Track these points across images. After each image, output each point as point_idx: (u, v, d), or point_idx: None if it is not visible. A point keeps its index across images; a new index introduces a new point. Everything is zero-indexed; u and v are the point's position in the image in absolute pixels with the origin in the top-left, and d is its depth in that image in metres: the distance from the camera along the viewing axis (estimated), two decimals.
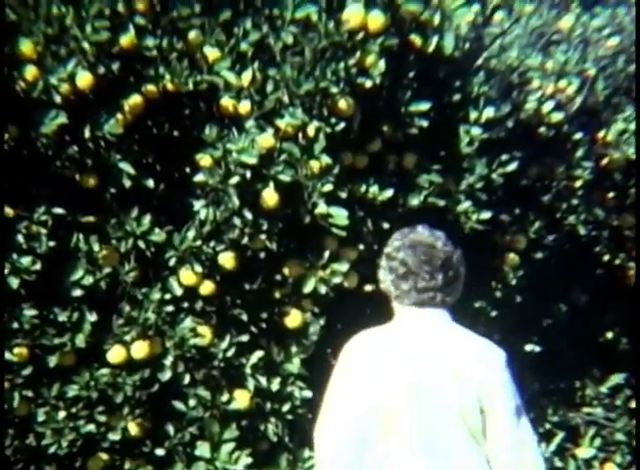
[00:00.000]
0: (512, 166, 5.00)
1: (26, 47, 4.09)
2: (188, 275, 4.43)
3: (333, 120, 4.42)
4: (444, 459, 2.98)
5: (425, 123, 4.69)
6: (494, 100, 5.01)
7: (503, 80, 5.16)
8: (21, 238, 4.23)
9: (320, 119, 4.38)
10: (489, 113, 4.93)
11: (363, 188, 4.62)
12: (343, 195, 4.50)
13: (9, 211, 4.21)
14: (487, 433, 3.02)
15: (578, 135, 5.54)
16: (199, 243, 4.41)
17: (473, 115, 4.92)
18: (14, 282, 4.22)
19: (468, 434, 3.00)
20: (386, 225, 4.71)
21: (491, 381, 3.06)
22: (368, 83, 4.48)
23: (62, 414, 4.38)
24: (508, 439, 3.05)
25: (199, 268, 4.42)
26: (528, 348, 5.75)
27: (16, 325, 4.30)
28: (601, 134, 5.71)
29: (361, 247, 4.72)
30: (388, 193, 4.63)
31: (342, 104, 4.41)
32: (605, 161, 5.72)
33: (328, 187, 4.39)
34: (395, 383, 2.96)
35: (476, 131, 4.89)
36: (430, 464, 2.98)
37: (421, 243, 3.01)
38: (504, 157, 4.98)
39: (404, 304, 3.02)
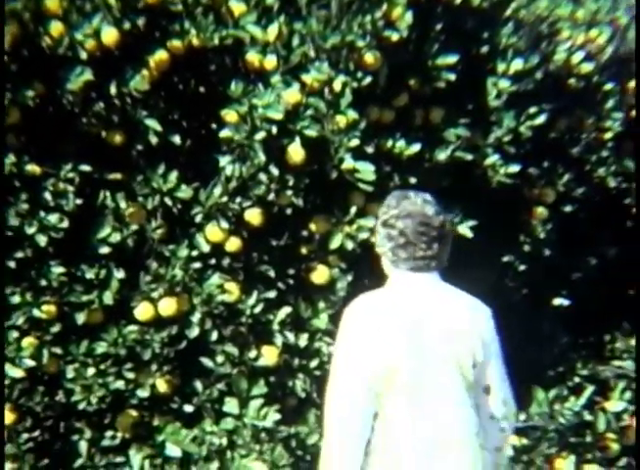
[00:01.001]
0: (540, 119, 5.08)
1: (52, 3, 4.20)
2: (215, 232, 4.56)
3: (359, 75, 4.50)
4: (443, 414, 3.19)
5: (452, 77, 4.77)
6: (523, 51, 5.08)
7: (532, 31, 5.21)
8: (48, 195, 4.37)
9: (346, 74, 4.47)
10: (518, 64, 5.00)
11: (390, 143, 4.71)
12: (370, 150, 4.60)
13: (36, 169, 4.35)
14: (480, 385, 3.29)
15: (609, 86, 5.59)
16: (225, 199, 4.54)
17: (501, 67, 4.99)
18: (42, 240, 4.38)
19: (464, 387, 3.23)
20: (412, 180, 4.82)
21: (486, 335, 3.31)
22: (395, 36, 4.56)
23: (90, 371, 4.54)
24: (500, 391, 3.35)
25: (225, 225, 4.55)
26: (557, 301, 5.86)
27: (44, 283, 4.46)
28: (632, 84, 5.76)
29: None
30: (415, 147, 4.72)
31: (369, 58, 4.50)
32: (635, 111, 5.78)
33: (354, 142, 4.48)
34: (399, 342, 3.14)
35: (504, 84, 4.96)
36: (429, 418, 3.17)
37: (417, 213, 3.20)
38: (532, 109, 5.06)
39: (400, 268, 3.24)
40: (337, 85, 4.45)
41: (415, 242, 3.19)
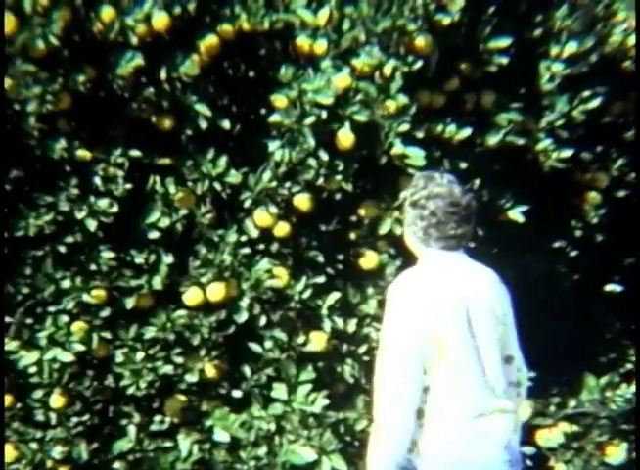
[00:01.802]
0: (594, 103, 5.09)
1: None
2: (264, 217, 4.65)
3: (410, 59, 4.55)
4: (487, 382, 3.39)
5: (504, 60, 4.81)
6: (577, 34, 5.08)
7: (587, 13, 5.21)
8: (98, 180, 4.49)
9: (397, 58, 4.53)
10: (572, 47, 5.01)
11: (440, 127, 4.76)
12: (420, 135, 4.66)
13: (86, 154, 4.46)
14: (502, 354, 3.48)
15: None
16: (274, 184, 4.62)
17: (554, 50, 5.00)
18: (91, 224, 4.50)
19: (500, 356, 3.45)
20: (463, 165, 4.87)
21: (508, 307, 3.56)
22: (446, 20, 4.62)
23: (139, 356, 4.65)
24: (519, 360, 3.58)
25: (274, 210, 4.63)
26: (609, 287, 5.88)
27: (93, 267, 4.59)
28: None
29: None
30: (466, 132, 4.77)
31: (420, 41, 4.55)
32: None
33: (404, 127, 4.54)
34: (447, 315, 3.32)
35: (557, 67, 4.98)
36: (476, 387, 3.36)
37: (446, 194, 3.41)
38: (586, 93, 5.06)
39: (431, 247, 3.43)
40: (387, 70, 4.51)
41: (446, 221, 3.39)
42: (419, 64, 4.57)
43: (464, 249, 3.50)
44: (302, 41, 4.54)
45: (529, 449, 5.33)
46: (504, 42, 4.79)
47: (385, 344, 3.32)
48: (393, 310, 3.33)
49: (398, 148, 4.57)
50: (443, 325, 3.30)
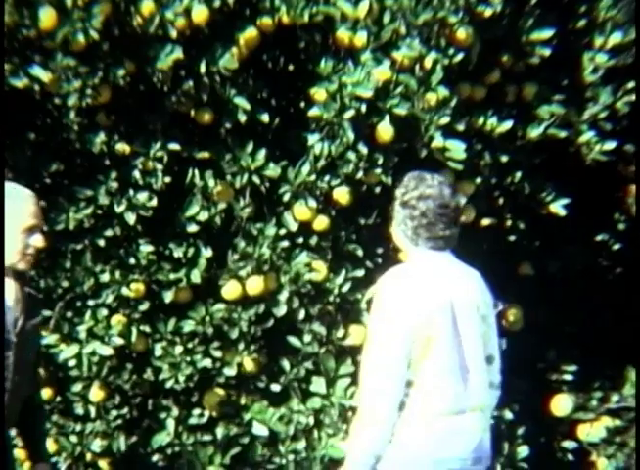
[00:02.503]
0: None
1: None
2: (302, 210, 4.70)
3: (451, 51, 4.58)
4: (471, 379, 3.47)
5: (547, 52, 4.82)
6: (622, 24, 5.06)
7: (631, 3, 5.19)
8: (137, 174, 4.56)
9: (438, 50, 4.56)
10: (616, 38, 4.99)
11: (481, 120, 4.78)
12: (461, 127, 4.68)
13: (125, 148, 4.53)
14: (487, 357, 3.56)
15: None
16: (313, 178, 4.67)
17: (598, 41, 5.00)
18: (130, 218, 4.58)
19: (484, 355, 3.53)
20: (504, 158, 4.89)
21: (491, 306, 3.63)
22: (488, 11, 4.63)
23: (178, 349, 4.73)
24: (498, 360, 3.65)
25: (313, 203, 4.68)
26: None
27: (132, 261, 4.67)
28: None
29: (478, 180, 4.91)
30: (507, 125, 4.79)
31: (461, 34, 4.57)
32: None
33: (445, 120, 4.57)
34: (434, 312, 3.40)
35: (601, 58, 4.98)
36: (460, 383, 3.44)
37: (436, 196, 3.49)
38: (630, 84, 5.06)
39: (420, 246, 3.51)
40: (427, 62, 4.54)
41: (435, 222, 3.46)
42: (460, 56, 4.59)
43: (451, 250, 3.57)
44: (342, 34, 4.56)
45: (570, 444, 5.39)
46: (547, 34, 4.80)
47: (371, 338, 3.41)
48: (381, 306, 3.42)
49: (439, 141, 4.60)
50: (431, 324, 3.38)
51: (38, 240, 3.33)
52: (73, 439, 4.81)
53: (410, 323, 3.35)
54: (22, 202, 3.30)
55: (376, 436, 3.36)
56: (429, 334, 3.37)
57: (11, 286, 3.34)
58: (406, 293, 3.40)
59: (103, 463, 4.85)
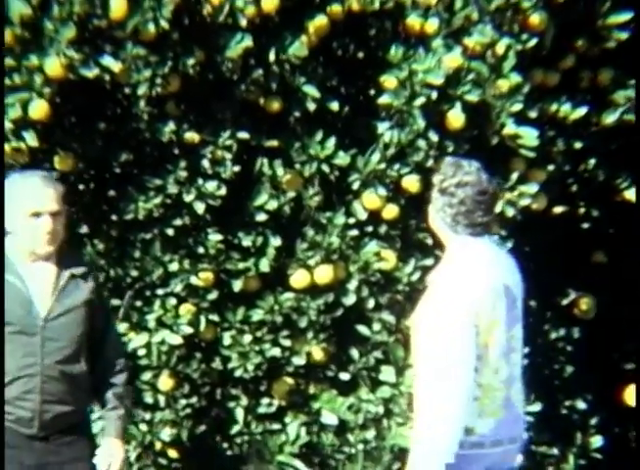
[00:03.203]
0: None
1: None
2: (372, 199, 4.71)
3: (524, 37, 4.56)
4: (516, 364, 3.58)
5: (624, 36, 4.77)
6: None
7: None
8: (206, 163, 4.59)
9: (510, 36, 4.53)
10: None
11: (554, 107, 4.76)
12: (533, 114, 4.66)
13: (194, 137, 4.56)
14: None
15: None
16: (383, 166, 4.67)
17: None
18: (199, 207, 4.61)
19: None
20: (578, 145, 4.87)
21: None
22: None
23: (247, 338, 4.78)
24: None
25: (383, 192, 4.69)
26: None
27: (201, 250, 4.71)
28: None
29: (551, 167, 4.88)
30: (581, 111, 4.76)
31: (535, 19, 4.54)
32: None
33: (517, 106, 4.55)
34: (494, 300, 3.45)
35: None
36: (509, 367, 3.52)
37: (474, 182, 3.53)
38: None
39: (459, 233, 3.53)
40: (500, 48, 4.52)
41: (473, 210, 3.50)
42: (533, 41, 4.57)
43: (489, 235, 3.63)
44: (413, 21, 4.56)
45: None
46: (624, 17, 4.75)
47: (434, 331, 3.39)
48: (442, 299, 3.41)
49: (510, 128, 4.58)
50: (493, 309, 3.43)
51: (45, 223, 3.44)
52: (143, 427, 4.87)
53: (474, 310, 3.37)
54: (25, 188, 3.47)
55: (456, 430, 3.34)
56: (492, 319, 3.41)
57: (41, 270, 3.50)
58: (464, 282, 3.42)
59: (172, 452, 4.91)
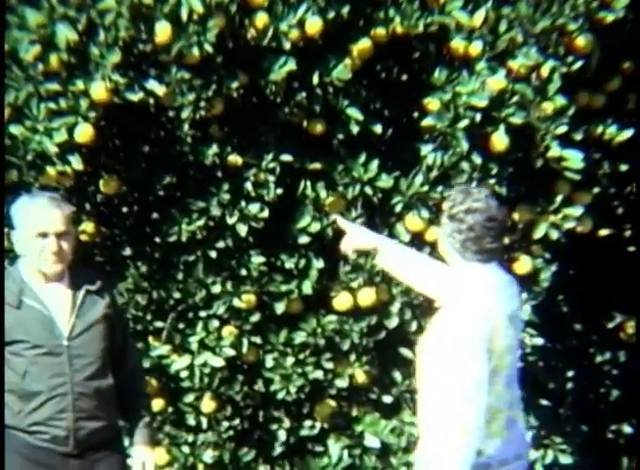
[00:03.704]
0: None
1: None
2: (415, 221, 4.71)
3: (569, 59, 4.54)
4: (515, 387, 3.63)
5: None
6: None
7: None
8: (249, 185, 4.62)
9: (555, 58, 4.51)
10: None
11: (600, 129, 4.75)
12: (578, 137, 4.65)
13: (237, 159, 4.59)
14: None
15: None
16: (426, 188, 4.67)
17: None
18: (242, 229, 4.64)
19: None
20: (624, 167, 4.86)
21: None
22: (610, 17, 4.57)
23: (290, 360, 4.80)
24: None
25: (426, 214, 4.69)
26: None
27: (244, 272, 4.74)
28: None
29: (596, 190, 4.88)
30: (627, 133, 4.74)
31: (581, 41, 4.53)
32: None
33: (562, 129, 4.53)
34: (502, 326, 3.51)
35: None
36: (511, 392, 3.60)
37: (484, 209, 3.59)
38: None
39: (467, 259, 3.60)
40: (545, 71, 4.51)
41: (482, 236, 3.57)
42: (578, 64, 4.55)
43: (498, 261, 3.68)
44: (457, 43, 4.56)
45: None
46: None
47: (450, 361, 3.43)
48: (457, 326, 3.46)
49: (555, 151, 4.57)
50: (505, 335, 3.50)
51: (51, 244, 3.59)
52: (185, 449, 4.91)
53: (489, 336, 3.43)
54: (32, 209, 3.64)
55: (473, 446, 3.40)
56: (505, 344, 3.48)
57: (57, 290, 3.65)
58: (477, 307, 3.48)
59: None
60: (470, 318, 3.45)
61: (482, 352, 3.43)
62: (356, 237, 4.00)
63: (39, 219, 3.59)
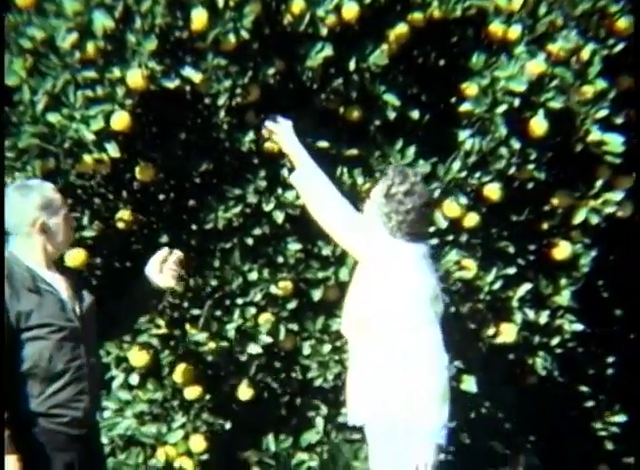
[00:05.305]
0: None
1: None
2: (452, 207, 4.72)
3: (610, 42, 4.55)
4: None
5: None
6: None
7: None
8: (285, 172, 4.63)
9: (596, 41, 4.52)
10: None
11: None
12: (619, 120, 4.65)
13: (274, 146, 4.59)
14: None
15: None
16: (464, 174, 4.68)
17: None
18: (279, 216, 4.66)
19: None
20: None
21: None
22: None
23: (326, 348, 4.83)
24: None
25: (464, 200, 4.70)
26: None
27: (281, 259, 4.76)
28: None
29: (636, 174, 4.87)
30: None
31: (622, 23, 4.54)
32: None
33: (602, 113, 4.55)
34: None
35: None
36: None
37: (422, 193, 3.82)
38: None
39: (396, 237, 3.82)
40: (585, 54, 4.52)
41: (418, 220, 3.81)
42: (620, 46, 4.56)
43: (424, 242, 3.92)
44: (496, 27, 4.56)
45: None
46: None
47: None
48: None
49: (595, 135, 4.59)
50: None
51: (68, 217, 3.79)
52: (223, 437, 4.95)
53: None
54: (45, 190, 3.72)
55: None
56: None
57: (60, 279, 3.75)
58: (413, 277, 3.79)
59: (252, 460, 4.99)
60: (408, 294, 3.73)
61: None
62: (284, 136, 4.20)
63: (57, 197, 3.73)
